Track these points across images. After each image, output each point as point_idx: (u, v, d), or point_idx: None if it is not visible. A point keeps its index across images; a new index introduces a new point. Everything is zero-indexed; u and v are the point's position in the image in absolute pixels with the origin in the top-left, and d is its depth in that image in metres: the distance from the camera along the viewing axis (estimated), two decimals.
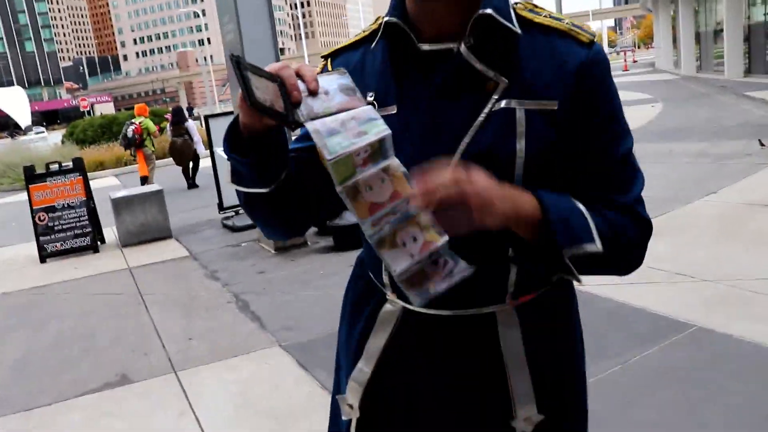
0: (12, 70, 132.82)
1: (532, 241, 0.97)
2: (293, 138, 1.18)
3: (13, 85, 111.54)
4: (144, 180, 11.65)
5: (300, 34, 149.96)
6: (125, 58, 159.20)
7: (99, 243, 7.74)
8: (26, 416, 3.54)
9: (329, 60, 1.22)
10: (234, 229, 7.60)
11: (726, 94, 16.14)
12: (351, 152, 0.89)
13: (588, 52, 1.04)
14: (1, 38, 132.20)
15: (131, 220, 7.63)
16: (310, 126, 0.90)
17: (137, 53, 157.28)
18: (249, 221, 7.26)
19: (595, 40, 1.07)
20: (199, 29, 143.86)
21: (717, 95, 16.34)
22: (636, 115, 13.84)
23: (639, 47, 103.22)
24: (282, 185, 1.06)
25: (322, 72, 1.05)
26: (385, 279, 1.16)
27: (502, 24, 1.02)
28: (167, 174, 14.64)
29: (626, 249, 1.05)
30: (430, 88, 1.05)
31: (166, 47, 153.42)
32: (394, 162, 0.93)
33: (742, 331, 3.42)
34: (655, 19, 38.31)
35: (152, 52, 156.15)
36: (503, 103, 1.02)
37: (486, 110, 1.02)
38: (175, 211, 8.74)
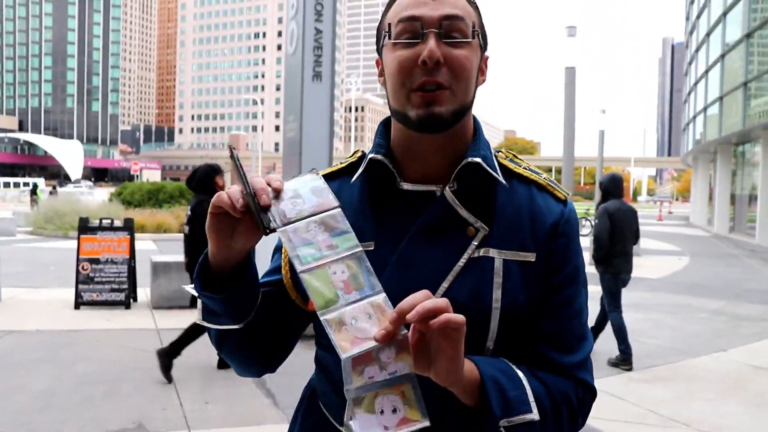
0: (75, 126, 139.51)
1: (469, 403, 0.97)
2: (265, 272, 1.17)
3: (73, 138, 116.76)
4: None
5: (350, 137, 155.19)
6: (180, 131, 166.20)
7: (132, 301, 8.15)
8: None
9: None
10: None
11: (754, 258, 16.36)
12: (324, 264, 0.89)
13: (563, 209, 1.10)
14: (73, 95, 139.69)
15: (166, 285, 8.05)
16: (283, 233, 0.91)
17: (192, 128, 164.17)
18: None
19: (569, 198, 1.14)
20: (254, 116, 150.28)
21: (745, 257, 16.57)
22: (661, 266, 14.15)
23: (677, 199, 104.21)
24: (253, 321, 1.05)
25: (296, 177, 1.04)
26: (346, 419, 1.08)
27: (488, 173, 1.06)
28: None
29: (567, 416, 1.05)
30: (410, 228, 1.05)
31: (220, 128, 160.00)
32: (381, 297, 0.90)
33: None
34: (694, 174, 39.10)
35: (207, 130, 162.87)
36: (482, 251, 1.04)
37: (465, 256, 1.03)
38: None
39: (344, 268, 0.90)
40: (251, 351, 1.11)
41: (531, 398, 0.98)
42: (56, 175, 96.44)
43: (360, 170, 1.11)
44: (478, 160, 1.04)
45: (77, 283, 7.90)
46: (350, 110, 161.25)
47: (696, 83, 32.09)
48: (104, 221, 8.34)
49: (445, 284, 1.02)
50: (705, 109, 29.18)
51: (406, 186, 1.07)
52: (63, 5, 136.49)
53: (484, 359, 0.99)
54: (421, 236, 1.04)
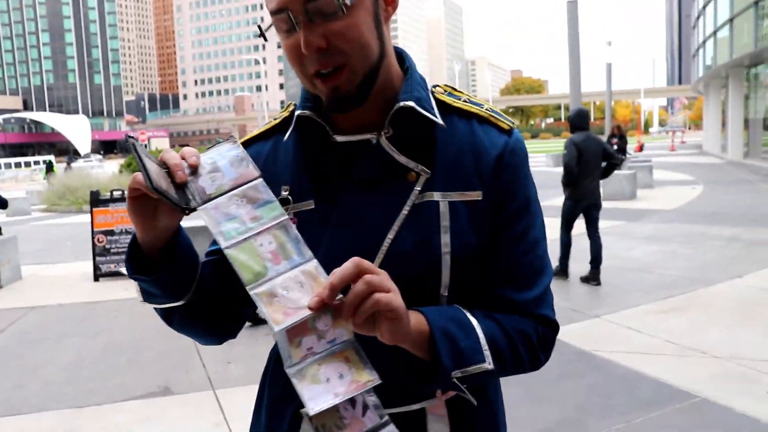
0: (79, 100, 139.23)
1: (421, 355, 0.93)
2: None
3: (78, 113, 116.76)
4: None
5: None
6: (185, 97, 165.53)
7: None
8: (78, 412, 3.94)
9: None
10: None
11: None
12: (248, 237, 0.86)
13: (508, 139, 1.05)
14: (74, 70, 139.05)
15: None
16: (203, 211, 0.87)
17: (197, 93, 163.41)
18: None
19: (514, 127, 1.07)
20: (257, 76, 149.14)
21: (760, 183, 16.40)
22: (674, 196, 14.06)
23: (690, 128, 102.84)
24: (196, 296, 1.01)
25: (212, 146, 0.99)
26: None
27: (423, 115, 1.01)
28: None
29: (527, 356, 1.02)
30: (349, 181, 1.01)
31: (224, 90, 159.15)
32: (312, 264, 0.87)
33: (744, 407, 3.63)
34: (705, 101, 38.48)
35: (211, 93, 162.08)
36: (426, 196, 1.00)
37: (409, 203, 0.99)
38: None
39: (271, 239, 0.87)
40: (203, 323, 1.07)
41: (485, 346, 0.95)
42: (65, 151, 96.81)
43: (290, 129, 1.07)
44: (411, 103, 0.99)
45: (94, 255, 8.00)
46: None
47: (705, 6, 31.23)
48: (115, 193, 8.40)
49: (390, 235, 0.98)
50: (715, 32, 28.48)
51: (340, 138, 1.03)
52: None
53: (434, 309, 0.96)
54: (360, 188, 1.01)
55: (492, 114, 1.07)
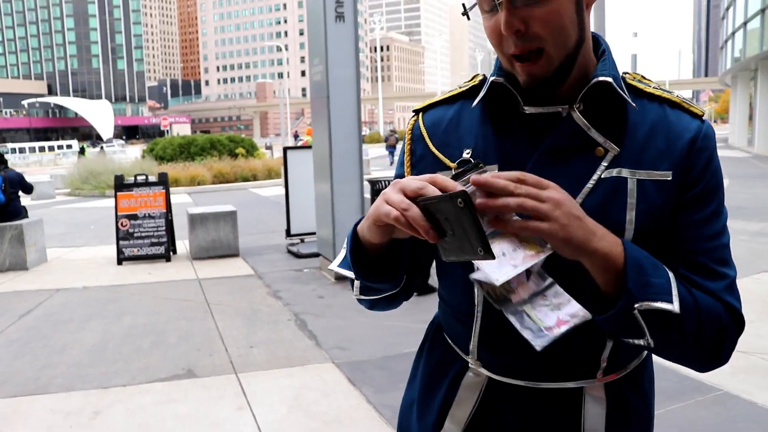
0: (102, 85, 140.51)
1: (604, 287, 0.93)
2: None
3: (101, 98, 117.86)
4: None
5: (377, 77, 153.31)
6: (207, 83, 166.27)
7: (172, 253, 8.34)
8: (104, 393, 4.00)
9: (420, 114, 1.20)
10: (298, 256, 8.06)
11: None
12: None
13: (701, 124, 1.04)
14: (98, 55, 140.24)
15: (204, 236, 8.20)
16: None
17: (218, 80, 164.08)
18: (314, 249, 7.72)
19: (704, 116, 1.06)
20: (279, 62, 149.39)
21: None
22: None
23: (716, 121, 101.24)
24: (406, 280, 1.10)
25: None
26: (472, 346, 1.12)
27: (617, 92, 1.01)
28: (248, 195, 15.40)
29: (712, 333, 0.96)
30: (536, 150, 1.02)
31: (246, 77, 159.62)
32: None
33: (766, 400, 3.59)
34: (733, 94, 37.83)
35: (233, 80, 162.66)
36: (614, 172, 1.00)
37: (595, 177, 1.00)
38: (244, 232, 9.31)
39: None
40: (400, 301, 1.16)
41: (675, 291, 0.92)
42: (88, 135, 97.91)
43: (481, 94, 1.09)
44: (609, 79, 0.99)
45: (118, 239, 8.10)
46: (375, 50, 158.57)
47: None
48: (139, 177, 8.48)
49: None
50: (745, 23, 27.94)
51: (529, 110, 1.04)
52: None
53: (637, 247, 0.95)
54: (547, 159, 1.01)
55: (684, 100, 1.06)
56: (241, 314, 5.65)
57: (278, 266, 7.66)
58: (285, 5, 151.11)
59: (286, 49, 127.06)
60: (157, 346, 4.86)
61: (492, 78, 1.06)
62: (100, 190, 18.17)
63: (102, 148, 38.76)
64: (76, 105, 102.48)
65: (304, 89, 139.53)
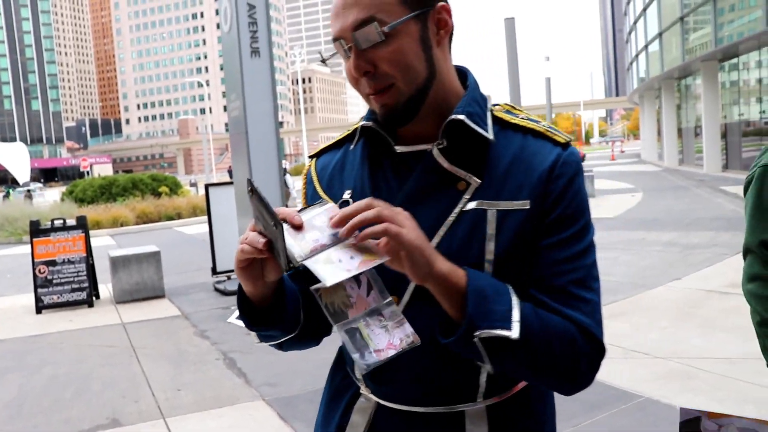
0: (16, 127, 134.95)
1: (450, 313, 0.97)
2: None
3: (15, 140, 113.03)
4: None
5: (300, 109, 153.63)
6: (127, 122, 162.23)
7: (94, 298, 8.05)
8: None
9: (314, 160, 1.27)
10: (225, 293, 7.93)
11: (703, 188, 16.86)
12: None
13: (561, 152, 1.06)
14: (9, 96, 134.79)
15: (127, 279, 7.96)
16: (311, 262, 0.90)
17: (139, 118, 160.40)
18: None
19: (570, 141, 1.09)
20: (201, 98, 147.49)
21: (695, 188, 17.07)
22: (616, 204, 14.52)
23: (629, 138, 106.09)
24: (305, 320, 1.13)
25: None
26: (358, 374, 1.17)
27: (472, 129, 1.05)
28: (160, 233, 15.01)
29: (565, 357, 0.99)
30: (403, 187, 1.07)
31: (168, 114, 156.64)
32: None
33: (684, 402, 3.77)
34: (641, 112, 39.86)
35: (154, 117, 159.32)
36: (474, 204, 1.03)
37: (457, 210, 1.03)
38: (170, 272, 9.09)
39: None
40: (308, 341, 1.19)
41: (516, 317, 0.95)
42: (3, 180, 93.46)
43: (356, 138, 1.17)
44: (462, 117, 1.04)
45: (36, 287, 7.76)
46: (297, 82, 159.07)
47: (635, 22, 32.49)
48: (56, 222, 8.17)
49: (436, 239, 1.03)
50: (646, 46, 29.62)
51: (399, 149, 1.11)
52: None
53: (479, 272, 0.98)
54: (413, 195, 1.06)
55: (548, 129, 1.09)
56: (168, 357, 5.50)
57: (205, 305, 7.52)
58: (204, 41, 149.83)
59: (207, 84, 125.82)
60: (80, 396, 4.67)
61: (362, 122, 1.14)
62: (16, 236, 17.34)
63: (29, 191, 36.88)
64: None
65: (227, 124, 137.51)
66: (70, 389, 4.83)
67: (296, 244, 0.90)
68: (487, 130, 1.07)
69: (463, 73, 1.16)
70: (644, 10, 29.24)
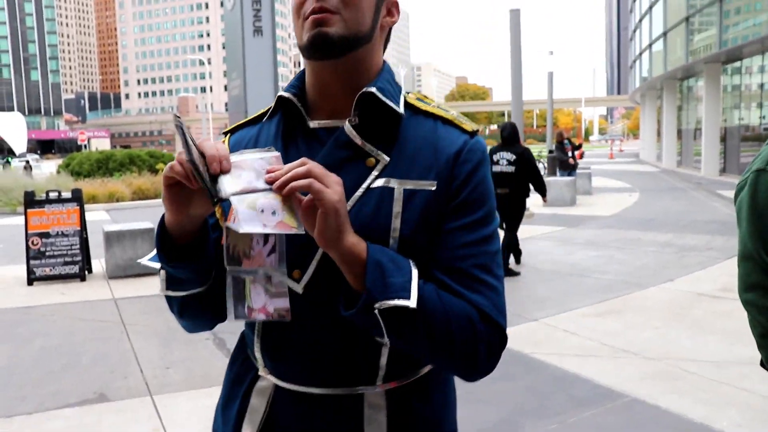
0: (14, 97, 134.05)
1: (353, 285, 0.97)
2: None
3: (13, 110, 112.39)
4: None
5: None
6: (127, 96, 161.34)
7: (87, 272, 8.03)
8: (8, 421, 3.81)
9: (228, 135, 1.26)
10: None
11: (700, 191, 16.90)
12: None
13: (468, 139, 1.10)
14: (8, 65, 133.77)
15: (120, 254, 7.95)
16: (235, 199, 0.90)
17: (139, 93, 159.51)
18: None
19: (478, 133, 1.13)
20: (202, 77, 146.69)
21: (692, 191, 17.10)
22: (612, 203, 14.54)
23: (628, 137, 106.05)
24: (213, 283, 1.09)
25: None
26: (257, 351, 1.14)
27: (384, 103, 1.07)
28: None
29: (463, 339, 1.00)
30: (314, 160, 1.04)
31: (168, 90, 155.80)
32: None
33: (669, 403, 3.80)
34: (642, 112, 39.85)
35: (154, 94, 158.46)
36: (382, 181, 1.05)
37: (365, 185, 1.05)
38: None
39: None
40: (212, 309, 1.13)
41: (414, 289, 0.96)
42: None
43: (270, 109, 1.17)
44: (373, 89, 1.06)
45: (28, 258, 7.74)
46: (299, 65, 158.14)
47: (641, 20, 32.40)
48: (51, 193, 8.14)
49: None
50: (650, 45, 29.56)
51: (313, 124, 1.12)
52: None
53: (381, 247, 0.99)
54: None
55: (458, 118, 1.13)
56: (158, 334, 5.51)
57: None
58: (208, 18, 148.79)
59: (209, 62, 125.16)
60: (69, 369, 4.68)
61: (281, 93, 1.14)
62: (10, 207, 17.29)
63: (28, 162, 36.51)
64: None
65: (227, 104, 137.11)
66: (59, 362, 4.83)
67: (230, 180, 0.90)
68: (398, 107, 1.09)
69: (383, 64, 1.17)
70: (650, 8, 29.15)
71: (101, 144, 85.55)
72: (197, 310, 1.13)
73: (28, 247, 7.76)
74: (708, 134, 21.44)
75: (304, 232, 0.91)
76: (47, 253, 7.80)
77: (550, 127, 26.34)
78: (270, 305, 0.94)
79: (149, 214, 14.45)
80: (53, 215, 7.92)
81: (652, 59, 29.34)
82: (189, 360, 4.82)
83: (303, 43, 1.06)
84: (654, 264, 7.82)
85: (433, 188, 1.06)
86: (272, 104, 1.21)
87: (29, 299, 6.95)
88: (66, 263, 7.84)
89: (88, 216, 8.42)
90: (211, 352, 5.02)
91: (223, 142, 1.24)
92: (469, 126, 1.12)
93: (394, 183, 1.05)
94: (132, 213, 15.74)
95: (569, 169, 16.07)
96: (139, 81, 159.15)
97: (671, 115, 28.21)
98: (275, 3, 6.57)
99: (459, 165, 1.07)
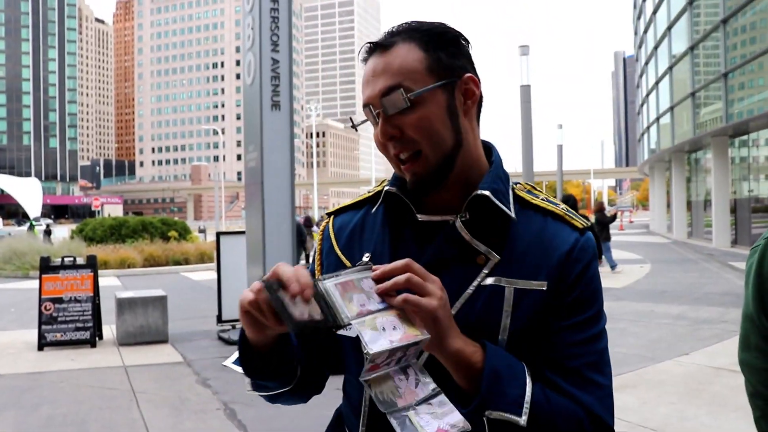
0: (33, 163, 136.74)
1: (462, 385, 0.99)
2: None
3: (31, 176, 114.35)
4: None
5: (312, 162, 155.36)
6: (141, 164, 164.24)
7: (97, 339, 8.02)
8: None
9: (332, 217, 1.29)
10: (229, 342, 7.88)
11: (712, 262, 16.80)
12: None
13: (579, 237, 1.10)
14: (29, 132, 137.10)
15: (132, 321, 7.94)
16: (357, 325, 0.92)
17: (153, 161, 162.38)
18: None
19: (587, 227, 1.12)
20: (215, 146, 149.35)
21: (703, 262, 17.00)
22: (624, 275, 14.44)
23: (638, 208, 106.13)
24: (301, 375, 1.13)
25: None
26: None
27: (496, 206, 1.08)
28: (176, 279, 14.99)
29: None
30: (424, 256, 1.07)
31: (182, 159, 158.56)
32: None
33: None
34: (651, 183, 40.06)
35: (168, 162, 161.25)
36: (492, 279, 1.06)
37: (475, 283, 1.05)
38: (175, 317, 9.07)
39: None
40: (303, 394, 1.19)
41: (527, 404, 0.97)
42: (14, 213, 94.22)
43: (378, 203, 1.19)
44: (487, 193, 1.07)
45: (40, 323, 7.74)
46: (311, 136, 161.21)
47: (648, 95, 33.03)
48: (66, 259, 8.21)
49: (453, 311, 1.03)
50: (658, 119, 30.02)
51: (422, 217, 1.13)
52: (17, 42, 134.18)
53: (497, 348, 1.01)
54: (432, 265, 1.04)
55: (567, 213, 1.13)
56: (168, 403, 5.45)
57: (208, 353, 7.47)
58: (222, 90, 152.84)
59: (223, 132, 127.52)
60: None
61: (386, 188, 1.16)
62: (23, 271, 17.40)
63: (48, 227, 36.85)
64: (2, 182, 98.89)
65: (239, 173, 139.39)
66: (68, 431, 4.78)
67: (344, 305, 0.93)
68: (510, 208, 1.09)
69: (488, 148, 1.19)
70: (656, 83, 29.76)
71: (114, 210, 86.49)
72: (286, 400, 1.18)
73: (40, 312, 7.78)
74: (718, 206, 21.47)
75: (429, 336, 0.93)
76: (59, 319, 7.81)
77: (559, 198, 26.44)
78: (444, 424, 0.93)
79: (160, 281, 14.52)
80: (67, 281, 7.97)
81: (660, 132, 29.74)
82: (199, 430, 4.75)
83: (407, 182, 1.10)
84: (668, 337, 7.72)
85: (544, 288, 1.06)
86: (372, 189, 1.25)
87: (38, 365, 6.92)
88: (77, 329, 7.83)
89: (100, 281, 8.46)
90: (221, 422, 4.95)
91: (326, 223, 1.28)
92: (580, 223, 1.12)
93: (504, 282, 1.06)
94: (143, 280, 15.80)
95: (608, 240, 15.73)
96: (153, 149, 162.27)
97: (680, 187, 28.35)
98: (293, 78, 6.78)
99: (570, 264, 1.08)
